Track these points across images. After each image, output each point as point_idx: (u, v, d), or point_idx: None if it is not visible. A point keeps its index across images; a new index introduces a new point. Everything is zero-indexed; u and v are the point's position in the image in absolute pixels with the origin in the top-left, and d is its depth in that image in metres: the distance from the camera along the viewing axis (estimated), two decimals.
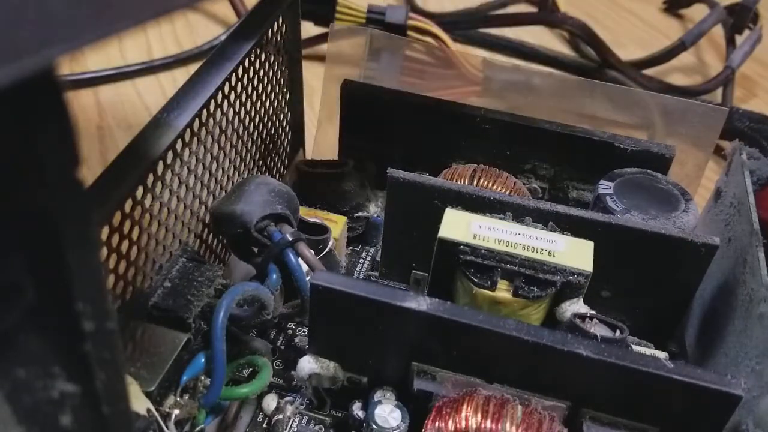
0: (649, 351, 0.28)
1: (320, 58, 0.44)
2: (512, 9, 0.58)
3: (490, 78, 0.40)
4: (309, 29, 0.49)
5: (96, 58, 0.50)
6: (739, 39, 0.54)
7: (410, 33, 0.49)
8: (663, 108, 0.37)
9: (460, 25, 0.54)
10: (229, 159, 0.32)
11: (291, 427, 0.27)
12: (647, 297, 0.30)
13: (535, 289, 0.26)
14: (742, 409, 0.23)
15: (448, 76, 0.41)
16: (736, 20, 0.54)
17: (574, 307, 0.27)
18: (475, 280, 0.26)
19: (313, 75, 0.43)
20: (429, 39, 0.48)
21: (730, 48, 0.54)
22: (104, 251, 0.23)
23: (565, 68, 0.54)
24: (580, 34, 0.53)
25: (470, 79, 0.41)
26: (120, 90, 0.49)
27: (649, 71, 0.53)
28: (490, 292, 0.26)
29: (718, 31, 0.56)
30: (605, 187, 0.32)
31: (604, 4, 0.64)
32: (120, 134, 0.45)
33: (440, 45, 0.47)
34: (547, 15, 0.54)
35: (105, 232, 0.23)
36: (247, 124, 0.33)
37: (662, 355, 0.28)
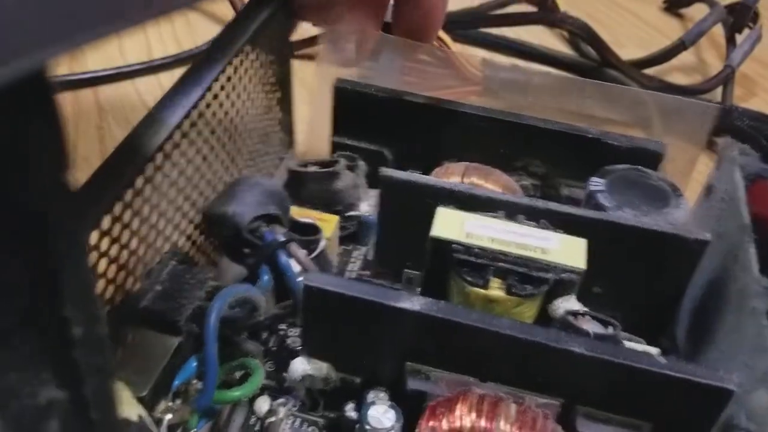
0: (642, 347, 0.28)
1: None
2: (512, 9, 0.58)
3: (489, 77, 0.40)
4: (309, 28, 0.49)
5: (96, 58, 0.50)
6: (739, 38, 0.54)
7: None
8: (655, 105, 0.37)
9: (460, 24, 0.54)
10: (220, 160, 0.31)
11: (284, 429, 0.27)
12: (639, 293, 0.30)
13: (528, 287, 0.26)
14: (735, 404, 0.23)
15: (448, 75, 0.41)
16: (736, 19, 0.54)
17: (567, 304, 0.27)
18: (468, 278, 0.26)
19: (311, 74, 0.42)
20: None
21: (730, 47, 0.54)
22: (94, 255, 0.22)
23: (565, 67, 0.54)
24: (581, 33, 0.53)
25: (470, 78, 0.41)
26: (120, 90, 0.49)
27: (649, 71, 0.53)
28: (483, 291, 0.26)
29: (719, 31, 0.56)
30: (597, 184, 0.32)
31: (603, 4, 0.64)
32: (120, 134, 0.44)
33: (440, 44, 0.47)
34: (547, 14, 0.54)
35: (95, 235, 0.22)
36: (237, 124, 0.33)
37: (654, 350, 0.28)
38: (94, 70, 0.49)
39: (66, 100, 0.47)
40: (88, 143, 0.43)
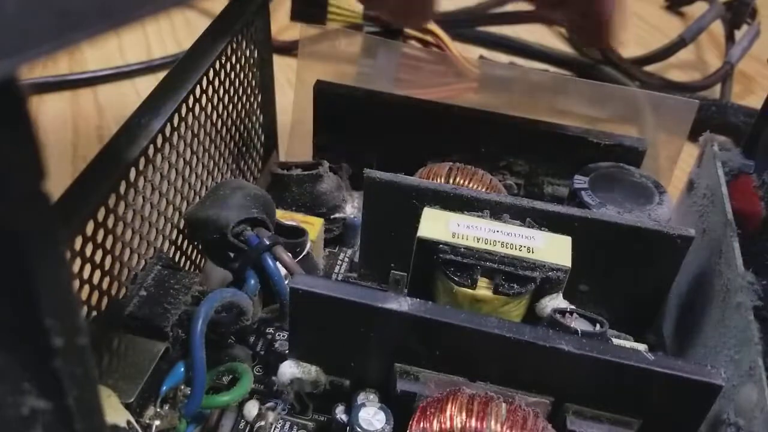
0: (629, 343, 0.28)
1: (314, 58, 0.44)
2: (510, 7, 0.58)
3: (487, 76, 0.40)
4: (304, 30, 0.48)
5: (95, 58, 0.50)
6: (738, 34, 0.54)
7: (408, 31, 0.48)
8: (645, 102, 0.37)
9: (459, 23, 0.54)
10: (203, 163, 0.31)
11: None
12: (625, 290, 0.30)
13: (515, 286, 0.26)
14: (723, 398, 0.23)
15: (445, 73, 0.41)
16: (735, 15, 0.54)
17: (554, 302, 0.27)
18: (455, 278, 0.26)
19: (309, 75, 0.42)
20: (428, 37, 0.48)
21: (729, 44, 0.54)
22: (78, 261, 0.22)
23: (563, 65, 0.54)
24: None
25: (467, 76, 0.41)
26: (120, 90, 0.49)
27: (649, 68, 0.53)
28: (470, 291, 0.26)
29: (719, 29, 0.56)
30: (580, 181, 0.32)
31: None
32: None
33: (438, 43, 0.47)
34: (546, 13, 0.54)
35: (78, 241, 0.22)
36: (219, 127, 0.32)
37: (642, 347, 0.28)
38: (93, 70, 0.49)
39: (65, 100, 0.47)
40: (88, 143, 0.43)
